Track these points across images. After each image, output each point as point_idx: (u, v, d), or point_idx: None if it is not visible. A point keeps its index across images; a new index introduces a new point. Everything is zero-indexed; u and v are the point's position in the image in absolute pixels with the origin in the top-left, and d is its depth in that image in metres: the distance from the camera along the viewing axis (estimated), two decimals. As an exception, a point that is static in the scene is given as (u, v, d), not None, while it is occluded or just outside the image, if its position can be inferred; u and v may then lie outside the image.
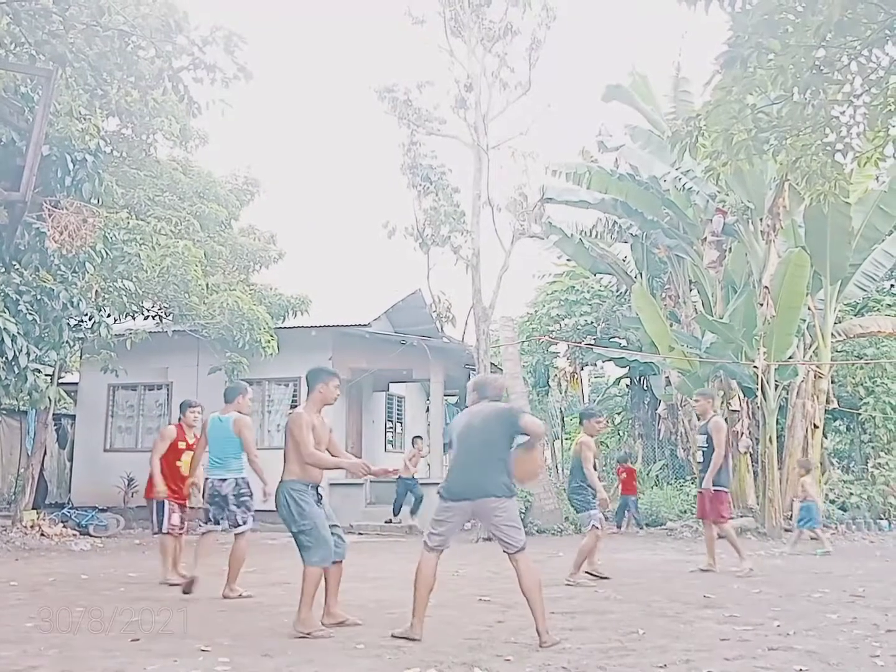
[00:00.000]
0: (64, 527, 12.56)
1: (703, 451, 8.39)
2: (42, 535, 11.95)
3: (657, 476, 17.23)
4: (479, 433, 4.93)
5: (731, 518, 8.66)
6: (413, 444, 13.78)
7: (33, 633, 5.03)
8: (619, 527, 14.07)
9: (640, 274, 16.37)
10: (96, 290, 11.34)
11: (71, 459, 16.62)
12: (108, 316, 11.93)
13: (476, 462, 4.87)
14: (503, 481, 4.81)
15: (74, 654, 4.46)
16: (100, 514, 13.32)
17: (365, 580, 7.50)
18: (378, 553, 10.69)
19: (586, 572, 7.70)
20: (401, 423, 19.08)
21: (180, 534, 7.51)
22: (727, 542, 8.31)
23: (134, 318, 13.80)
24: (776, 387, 13.16)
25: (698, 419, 8.65)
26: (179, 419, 7.74)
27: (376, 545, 11.95)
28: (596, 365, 23.21)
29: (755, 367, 12.71)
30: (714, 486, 8.20)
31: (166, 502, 7.33)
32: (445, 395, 17.44)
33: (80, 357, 15.11)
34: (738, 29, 5.14)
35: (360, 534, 13.35)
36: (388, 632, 5.02)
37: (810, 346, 13.91)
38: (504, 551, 4.85)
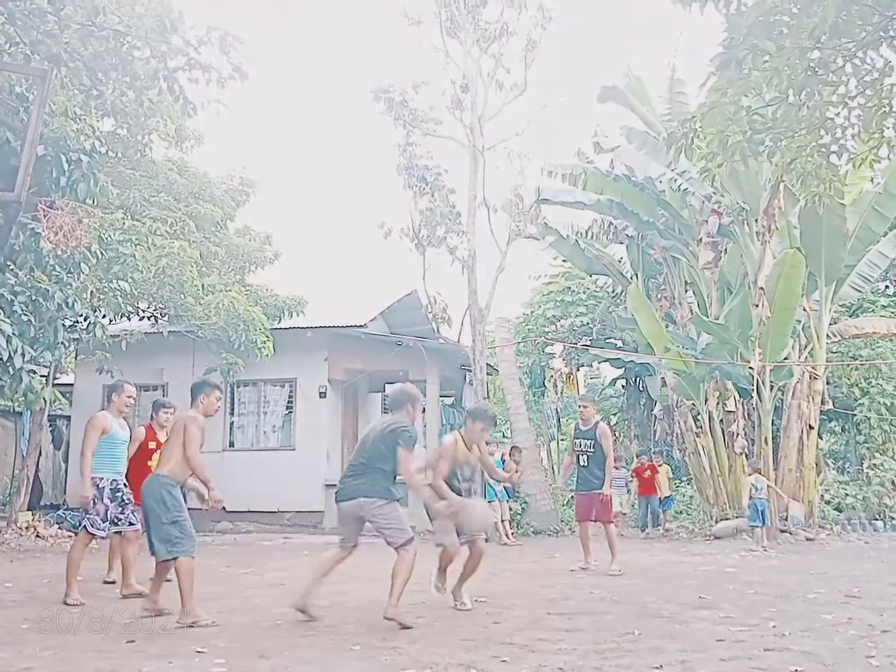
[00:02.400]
0: (59, 528, 12.52)
1: (588, 456, 8.60)
2: (37, 536, 11.91)
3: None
4: (370, 443, 5.51)
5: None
6: (511, 455, 13.65)
7: (28, 635, 5.02)
8: (643, 529, 13.77)
9: (636, 275, 16.39)
10: (91, 291, 11.30)
11: (66, 460, 16.57)
12: (104, 317, 11.87)
13: (360, 469, 5.46)
14: (382, 486, 5.34)
15: (70, 656, 4.45)
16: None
17: (362, 581, 7.48)
18: (374, 554, 10.66)
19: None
20: (396, 424, 19.04)
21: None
22: (610, 541, 8.51)
23: (129, 319, 13.77)
24: (771, 388, 13.19)
25: (581, 424, 8.82)
26: (151, 418, 7.57)
27: (373, 546, 11.93)
28: (592, 366, 23.26)
29: (751, 367, 12.74)
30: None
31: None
32: (441, 397, 17.45)
33: (76, 358, 15.07)
34: (733, 31, 5.16)
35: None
36: (385, 633, 5.02)
37: (805, 347, 13.94)
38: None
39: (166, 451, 5.63)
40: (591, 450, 8.57)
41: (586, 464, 8.62)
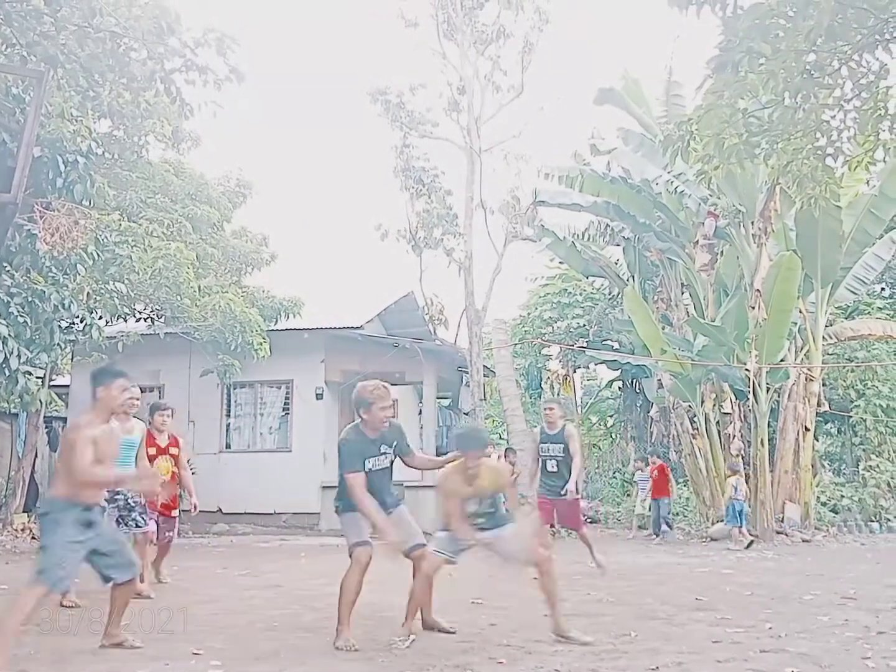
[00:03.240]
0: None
1: (557, 461, 8.16)
2: (33, 538, 11.89)
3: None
4: None
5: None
6: (506, 456, 13.54)
7: (25, 637, 4.99)
8: (656, 535, 12.85)
9: (633, 277, 16.40)
10: (88, 293, 11.30)
11: (62, 462, 16.53)
12: (100, 318, 11.87)
13: None
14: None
15: (65, 658, 4.44)
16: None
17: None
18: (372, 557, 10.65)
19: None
20: (393, 425, 19.04)
21: (167, 542, 7.46)
22: (586, 542, 8.43)
23: (126, 321, 13.75)
24: (767, 390, 13.20)
25: (547, 427, 8.35)
26: (148, 423, 7.17)
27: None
28: (588, 367, 23.28)
29: (747, 369, 12.76)
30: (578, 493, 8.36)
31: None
32: (438, 398, 17.44)
33: (72, 359, 15.05)
34: (730, 33, 5.17)
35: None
36: (380, 635, 5.02)
37: (801, 349, 13.96)
38: None
39: (59, 469, 4.75)
40: (561, 454, 8.15)
41: (556, 469, 8.17)
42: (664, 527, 13.02)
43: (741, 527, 11.73)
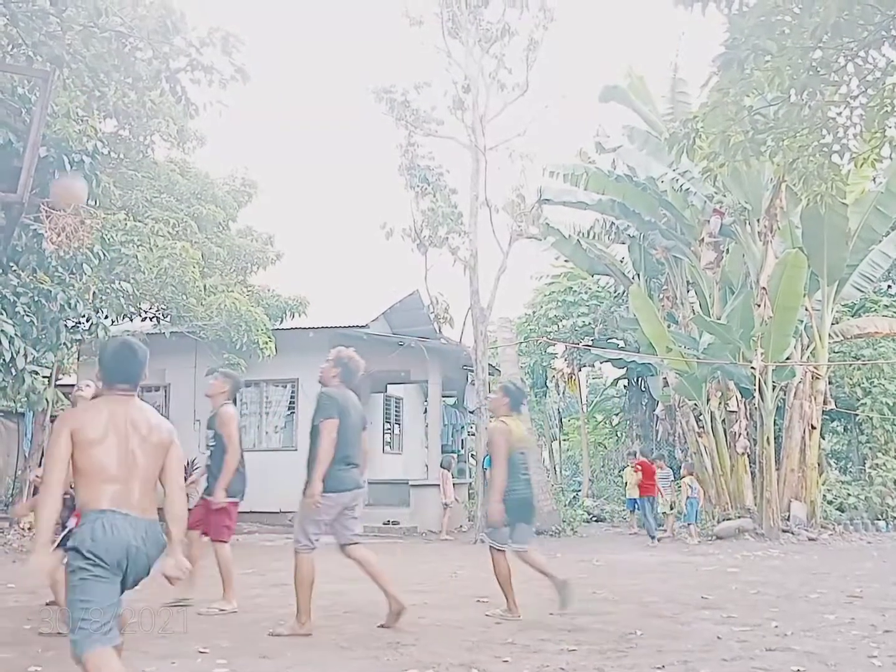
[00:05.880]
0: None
1: (211, 451, 6.19)
2: (39, 536, 11.92)
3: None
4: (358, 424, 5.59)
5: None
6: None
7: (31, 636, 5.02)
8: (652, 537, 12.21)
9: (638, 275, 16.39)
10: (94, 292, 11.31)
11: (68, 461, 16.58)
12: (106, 317, 11.87)
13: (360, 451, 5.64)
14: None
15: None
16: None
17: (361, 581, 7.48)
18: (376, 555, 10.66)
19: None
20: (399, 424, 19.07)
21: None
22: (221, 566, 6.27)
23: (131, 320, 13.77)
24: (774, 388, 13.18)
25: (209, 422, 6.31)
26: None
27: (374, 547, 11.91)
28: (594, 366, 23.29)
29: (753, 367, 12.73)
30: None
31: None
32: (443, 397, 17.44)
33: (78, 359, 15.07)
34: (735, 31, 5.16)
35: (358, 535, 13.31)
36: (386, 633, 5.02)
37: (808, 346, 13.93)
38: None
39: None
40: (212, 442, 6.21)
41: (210, 462, 6.27)
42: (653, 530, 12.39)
43: (695, 523, 12.36)
